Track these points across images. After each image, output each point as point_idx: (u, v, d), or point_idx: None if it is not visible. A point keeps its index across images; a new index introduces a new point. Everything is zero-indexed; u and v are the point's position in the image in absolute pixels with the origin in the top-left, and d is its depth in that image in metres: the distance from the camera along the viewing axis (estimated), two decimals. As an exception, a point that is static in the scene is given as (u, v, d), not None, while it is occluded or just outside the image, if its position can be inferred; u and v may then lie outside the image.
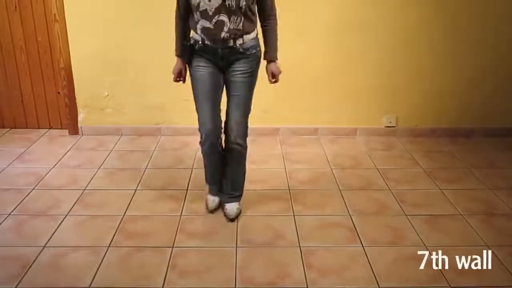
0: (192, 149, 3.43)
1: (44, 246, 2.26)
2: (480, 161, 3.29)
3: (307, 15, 3.42)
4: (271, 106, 3.63)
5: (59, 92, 3.67)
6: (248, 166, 3.04)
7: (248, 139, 2.51)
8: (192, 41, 2.33)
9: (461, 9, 3.43)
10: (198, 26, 2.23)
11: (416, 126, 3.71)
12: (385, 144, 3.59)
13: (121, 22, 3.43)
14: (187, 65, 2.40)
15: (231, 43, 2.25)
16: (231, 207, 2.55)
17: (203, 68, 2.31)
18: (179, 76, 2.41)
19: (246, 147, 2.50)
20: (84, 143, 3.55)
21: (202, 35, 2.25)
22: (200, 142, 2.46)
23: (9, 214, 2.54)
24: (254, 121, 3.19)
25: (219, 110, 2.40)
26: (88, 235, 2.37)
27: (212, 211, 2.58)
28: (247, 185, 2.83)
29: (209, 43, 2.25)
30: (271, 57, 2.38)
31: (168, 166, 3.16)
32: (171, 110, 3.65)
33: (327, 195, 2.79)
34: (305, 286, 2.02)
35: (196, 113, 2.42)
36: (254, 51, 2.32)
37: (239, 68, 2.32)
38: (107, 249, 2.24)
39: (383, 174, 3.06)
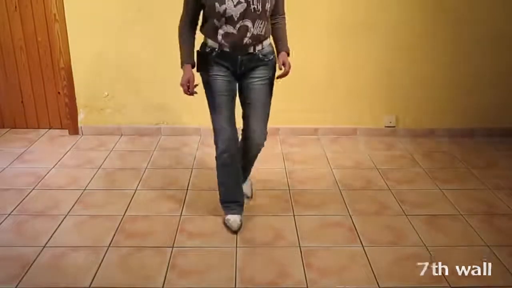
0: (192, 149, 3.43)
1: (44, 246, 2.26)
2: (480, 161, 3.29)
3: (308, 16, 3.42)
4: (271, 106, 3.62)
5: (59, 92, 3.67)
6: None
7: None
8: (207, 49, 2.23)
9: (461, 10, 3.43)
10: (220, 32, 2.15)
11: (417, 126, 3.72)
12: (385, 144, 3.58)
13: (121, 22, 3.43)
14: (198, 73, 2.29)
15: (251, 49, 2.21)
16: (244, 187, 2.61)
17: (221, 77, 2.24)
18: (189, 86, 2.20)
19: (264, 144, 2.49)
20: (84, 143, 3.55)
21: (223, 41, 2.17)
22: (216, 157, 2.35)
23: (9, 214, 2.54)
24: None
25: (235, 119, 2.34)
26: (88, 235, 2.37)
27: (236, 231, 2.39)
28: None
29: (228, 50, 2.19)
30: (283, 48, 2.35)
31: (168, 166, 3.16)
32: (171, 110, 3.65)
33: (327, 195, 2.79)
34: (305, 286, 2.02)
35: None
36: (272, 57, 2.31)
37: (259, 75, 2.29)
38: (107, 249, 2.24)
39: (383, 174, 3.06)
